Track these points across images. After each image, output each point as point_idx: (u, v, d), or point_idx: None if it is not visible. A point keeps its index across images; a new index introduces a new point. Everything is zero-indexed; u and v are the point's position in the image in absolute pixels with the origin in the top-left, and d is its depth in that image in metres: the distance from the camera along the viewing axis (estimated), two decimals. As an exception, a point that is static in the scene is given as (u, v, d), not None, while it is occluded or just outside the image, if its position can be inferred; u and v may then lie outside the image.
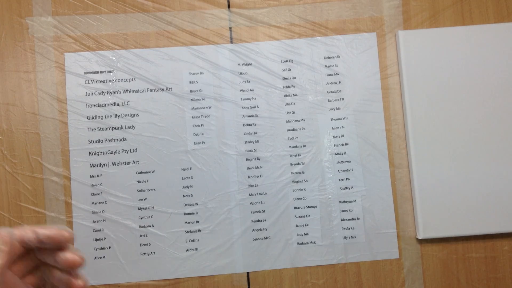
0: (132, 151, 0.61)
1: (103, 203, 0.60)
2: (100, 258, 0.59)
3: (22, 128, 0.60)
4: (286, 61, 0.63)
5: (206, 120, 0.62)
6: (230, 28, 0.63)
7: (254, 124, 0.62)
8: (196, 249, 0.60)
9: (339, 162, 0.62)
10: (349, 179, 0.62)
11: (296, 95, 0.62)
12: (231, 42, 0.63)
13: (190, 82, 0.62)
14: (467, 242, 0.61)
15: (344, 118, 0.62)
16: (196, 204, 0.61)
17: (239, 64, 0.62)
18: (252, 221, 0.61)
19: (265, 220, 0.61)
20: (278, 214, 0.61)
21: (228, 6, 0.63)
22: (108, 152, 0.61)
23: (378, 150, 0.62)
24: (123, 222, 0.60)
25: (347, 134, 0.62)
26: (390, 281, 0.61)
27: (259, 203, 0.61)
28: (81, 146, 0.61)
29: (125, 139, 0.61)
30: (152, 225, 0.60)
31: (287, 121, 0.62)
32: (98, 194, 0.60)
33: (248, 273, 0.60)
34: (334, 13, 0.63)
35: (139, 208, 0.60)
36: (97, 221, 0.60)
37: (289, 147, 0.62)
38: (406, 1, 0.64)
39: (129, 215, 0.60)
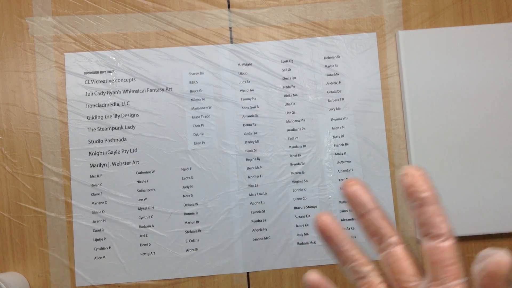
0: (132, 151, 0.61)
1: (103, 203, 0.60)
2: (100, 258, 0.59)
3: (22, 128, 0.60)
4: (286, 61, 0.63)
5: (206, 120, 0.62)
6: (230, 28, 0.63)
7: (254, 124, 0.62)
8: (196, 249, 0.60)
9: (339, 162, 0.62)
10: (349, 179, 0.61)
11: (296, 95, 0.63)
12: (231, 42, 0.63)
13: (190, 82, 0.62)
14: (467, 242, 0.61)
15: (344, 118, 0.62)
16: (196, 204, 0.61)
17: (239, 64, 0.62)
18: (252, 221, 0.61)
19: (265, 220, 0.61)
20: (278, 214, 0.61)
21: (228, 6, 0.63)
22: (108, 152, 0.61)
23: (378, 150, 0.62)
24: (123, 222, 0.60)
25: (347, 134, 0.62)
26: (390, 281, 0.61)
27: (259, 203, 0.61)
28: (81, 146, 0.61)
29: (125, 139, 0.61)
30: (152, 225, 0.60)
31: (287, 121, 0.62)
32: (98, 194, 0.60)
33: (248, 273, 0.60)
34: (334, 13, 0.63)
35: (139, 208, 0.60)
36: (97, 221, 0.60)
37: (289, 147, 0.62)
38: (406, 1, 0.64)
39: (129, 215, 0.60)
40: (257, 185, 0.61)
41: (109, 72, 0.62)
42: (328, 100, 0.63)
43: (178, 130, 0.61)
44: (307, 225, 0.61)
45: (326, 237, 0.25)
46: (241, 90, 0.62)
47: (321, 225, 0.25)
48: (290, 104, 0.62)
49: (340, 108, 0.62)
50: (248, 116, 0.62)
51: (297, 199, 0.61)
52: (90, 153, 0.61)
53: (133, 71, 0.62)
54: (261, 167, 0.62)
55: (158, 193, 0.61)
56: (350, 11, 0.63)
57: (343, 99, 0.63)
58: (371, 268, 0.25)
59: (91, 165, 0.60)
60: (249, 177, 0.61)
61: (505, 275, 0.20)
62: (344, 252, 0.25)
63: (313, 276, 0.25)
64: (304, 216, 0.61)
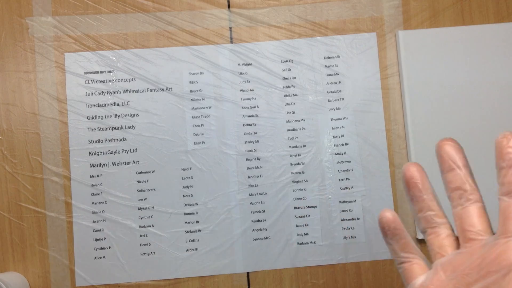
0: (132, 151, 0.61)
1: (103, 203, 0.60)
2: (100, 258, 0.59)
3: (22, 128, 0.60)
4: (286, 61, 0.63)
5: (206, 120, 0.62)
6: (230, 28, 0.63)
7: (254, 124, 0.62)
8: (196, 249, 0.60)
9: (339, 162, 0.62)
10: (349, 179, 0.62)
11: (296, 95, 0.63)
12: (231, 42, 0.63)
13: (190, 82, 0.62)
14: (467, 242, 0.61)
15: (344, 118, 0.62)
16: (196, 204, 0.61)
17: (239, 64, 0.63)
18: (252, 221, 0.61)
19: (265, 220, 0.61)
20: (278, 214, 0.61)
21: (228, 6, 0.63)
22: (108, 152, 0.61)
23: (378, 150, 0.62)
24: (123, 222, 0.60)
25: (347, 134, 0.62)
26: (390, 281, 0.61)
27: (259, 203, 0.61)
28: (81, 146, 0.61)
29: (125, 139, 0.61)
30: (152, 225, 0.60)
31: (287, 121, 0.62)
32: (98, 194, 0.60)
33: (248, 273, 0.60)
34: (334, 13, 0.63)
35: (139, 208, 0.60)
36: (97, 221, 0.60)
37: (289, 147, 0.62)
38: (406, 1, 0.64)
39: (129, 215, 0.60)
40: (257, 185, 0.61)
41: (109, 72, 0.62)
42: (328, 100, 0.63)
43: (178, 130, 0.61)
44: (307, 225, 0.61)
45: (411, 183, 0.26)
46: (241, 90, 0.62)
47: (408, 173, 0.26)
48: (290, 104, 0.62)
49: (340, 108, 0.62)
50: (248, 116, 0.62)
51: (297, 199, 0.61)
52: (90, 153, 0.61)
53: (133, 71, 0.62)
54: (261, 167, 0.62)
55: (158, 193, 0.61)
56: (350, 11, 0.63)
57: (343, 99, 0.63)
58: (444, 221, 0.26)
59: (91, 165, 0.60)
60: (249, 177, 0.61)
61: None
62: (424, 200, 0.26)
63: (387, 213, 0.27)
64: (304, 216, 0.61)
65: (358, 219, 0.61)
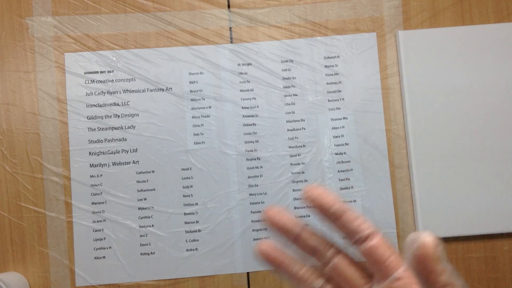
0: (132, 151, 0.61)
1: (103, 203, 0.60)
2: (100, 258, 0.59)
3: (22, 128, 0.60)
4: (286, 61, 0.63)
5: (206, 120, 0.62)
6: (230, 28, 0.63)
7: (254, 124, 0.62)
8: (196, 249, 0.60)
9: (339, 162, 0.62)
10: (349, 179, 0.62)
11: (296, 95, 0.63)
12: (231, 42, 0.63)
13: (190, 82, 0.62)
14: (467, 242, 0.61)
15: (344, 118, 0.62)
16: (196, 204, 0.61)
17: (239, 64, 0.62)
18: (252, 221, 0.61)
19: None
20: (278, 214, 0.61)
21: (228, 6, 0.63)
22: (108, 152, 0.61)
23: (378, 150, 0.62)
24: (123, 222, 0.60)
25: (347, 134, 0.62)
26: (390, 281, 0.61)
27: (259, 203, 0.61)
28: (81, 146, 0.61)
29: (125, 139, 0.61)
30: (152, 225, 0.60)
31: (287, 121, 0.62)
32: (98, 194, 0.60)
33: (248, 273, 0.60)
34: (334, 13, 0.63)
35: (139, 208, 0.60)
36: (97, 221, 0.60)
37: (289, 147, 0.62)
38: (406, 1, 0.64)
39: (129, 215, 0.60)
40: (257, 185, 0.61)
41: (109, 72, 0.62)
42: (328, 100, 0.63)
43: (178, 130, 0.61)
44: (307, 225, 0.61)
45: (274, 265, 0.26)
46: (241, 90, 0.62)
47: (264, 255, 0.26)
48: (290, 104, 0.62)
49: (340, 108, 0.62)
50: (248, 116, 0.62)
51: (297, 199, 0.61)
52: (90, 153, 0.61)
53: (133, 71, 0.62)
54: (261, 167, 0.62)
55: (158, 193, 0.61)
56: (350, 11, 0.63)
57: (343, 99, 0.63)
58: (321, 280, 0.26)
59: (91, 165, 0.60)
60: (249, 177, 0.61)
61: (433, 255, 0.21)
62: (295, 275, 0.26)
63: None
64: (304, 216, 0.61)
65: (358, 219, 0.61)
